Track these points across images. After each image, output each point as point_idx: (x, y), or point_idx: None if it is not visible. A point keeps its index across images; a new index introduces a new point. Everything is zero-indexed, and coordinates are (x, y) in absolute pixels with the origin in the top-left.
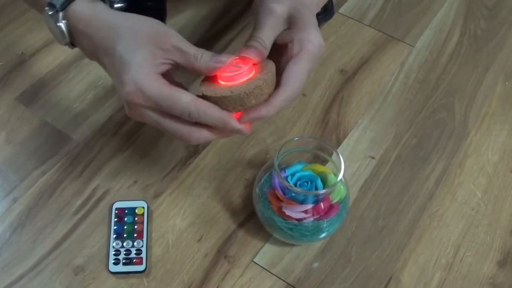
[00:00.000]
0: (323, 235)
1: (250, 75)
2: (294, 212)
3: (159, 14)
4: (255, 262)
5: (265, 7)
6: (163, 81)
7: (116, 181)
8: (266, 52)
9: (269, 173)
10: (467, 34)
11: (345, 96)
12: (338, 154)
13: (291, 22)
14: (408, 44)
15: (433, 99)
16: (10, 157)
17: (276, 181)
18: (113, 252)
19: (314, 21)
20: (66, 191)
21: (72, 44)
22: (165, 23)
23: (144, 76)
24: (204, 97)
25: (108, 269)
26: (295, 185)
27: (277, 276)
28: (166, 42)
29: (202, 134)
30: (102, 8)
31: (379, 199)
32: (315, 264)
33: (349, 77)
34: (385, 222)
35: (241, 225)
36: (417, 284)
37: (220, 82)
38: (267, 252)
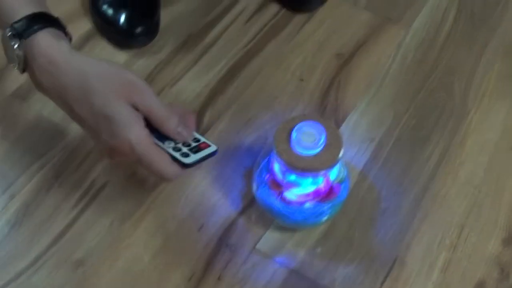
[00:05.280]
0: (325, 218)
1: None
2: (295, 196)
3: (153, 4)
4: (257, 249)
5: None
6: (150, 140)
7: (114, 173)
8: None
9: (267, 159)
10: (464, 13)
11: (342, 80)
12: (337, 130)
13: None
14: (405, 25)
15: (432, 79)
16: (6, 153)
17: (276, 166)
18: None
19: None
20: (64, 185)
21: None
22: (159, 14)
23: (137, 135)
24: None
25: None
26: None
27: (280, 263)
28: (136, 99)
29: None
30: (67, 48)
31: (380, 181)
32: (318, 249)
33: (345, 61)
34: (387, 204)
35: (241, 212)
36: (422, 266)
37: None
38: (269, 239)
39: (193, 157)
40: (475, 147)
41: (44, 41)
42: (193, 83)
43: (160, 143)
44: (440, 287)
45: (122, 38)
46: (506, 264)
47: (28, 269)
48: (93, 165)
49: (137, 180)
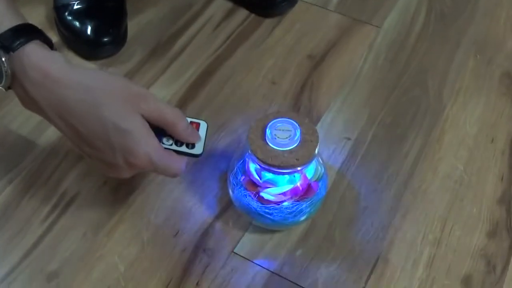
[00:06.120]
0: (304, 217)
1: None
2: (273, 195)
3: (119, 14)
4: (235, 253)
5: None
6: (162, 147)
7: (85, 183)
8: None
9: (242, 160)
10: (434, 13)
11: (315, 81)
12: (312, 125)
13: None
14: (375, 26)
15: (405, 77)
16: None
17: (251, 166)
18: None
19: None
20: (35, 197)
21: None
22: (126, 23)
23: (154, 147)
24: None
25: None
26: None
27: (260, 265)
28: (145, 107)
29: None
30: (62, 60)
31: (358, 179)
32: (298, 250)
33: (317, 62)
34: (367, 202)
35: (218, 216)
36: (406, 262)
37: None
38: (247, 242)
39: (200, 144)
40: (454, 142)
41: (35, 53)
42: (163, 91)
43: (163, 144)
44: (426, 283)
45: (90, 49)
46: (492, 256)
47: (0, 283)
48: (63, 177)
49: (108, 190)
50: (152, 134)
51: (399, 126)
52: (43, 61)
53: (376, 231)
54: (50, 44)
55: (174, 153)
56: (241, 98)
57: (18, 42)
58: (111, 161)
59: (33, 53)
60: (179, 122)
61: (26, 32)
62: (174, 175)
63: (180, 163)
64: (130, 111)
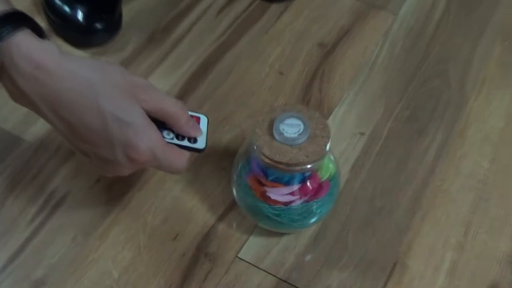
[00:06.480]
0: (314, 219)
1: None
2: (280, 195)
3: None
4: (240, 258)
5: None
6: (164, 141)
7: (76, 182)
8: None
9: (246, 157)
10: None
11: (326, 70)
12: (323, 119)
13: None
14: (391, 12)
15: (424, 68)
16: None
17: (257, 163)
18: None
19: None
20: (20, 198)
21: None
22: (120, 8)
23: (157, 141)
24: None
25: None
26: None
27: (266, 271)
28: (145, 98)
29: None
30: (55, 50)
31: (373, 177)
32: (308, 255)
33: (328, 51)
34: (383, 203)
35: (220, 218)
36: (426, 268)
37: None
38: (252, 246)
39: (202, 138)
40: (478, 137)
41: (25, 43)
42: (161, 81)
43: (164, 139)
44: None
45: (81, 36)
46: None
47: None
48: (51, 175)
49: (101, 188)
50: (154, 126)
51: (418, 120)
52: (34, 51)
53: (392, 235)
54: (40, 33)
55: (177, 148)
56: (246, 89)
57: (5, 31)
58: (110, 157)
59: (22, 42)
60: (182, 114)
61: (14, 20)
62: (178, 171)
63: (184, 158)
64: (130, 102)
